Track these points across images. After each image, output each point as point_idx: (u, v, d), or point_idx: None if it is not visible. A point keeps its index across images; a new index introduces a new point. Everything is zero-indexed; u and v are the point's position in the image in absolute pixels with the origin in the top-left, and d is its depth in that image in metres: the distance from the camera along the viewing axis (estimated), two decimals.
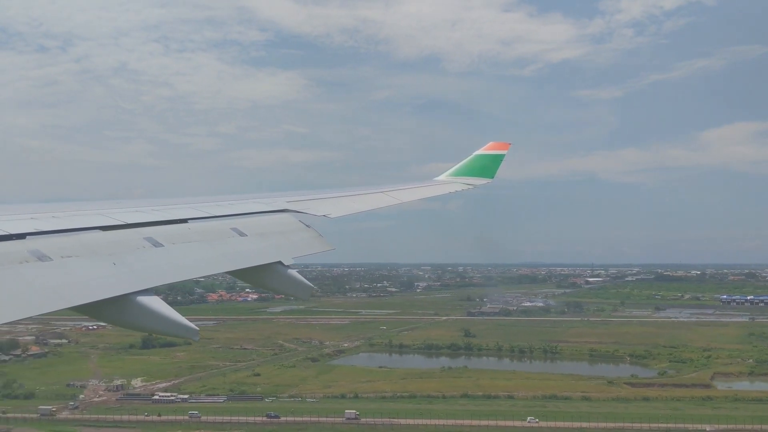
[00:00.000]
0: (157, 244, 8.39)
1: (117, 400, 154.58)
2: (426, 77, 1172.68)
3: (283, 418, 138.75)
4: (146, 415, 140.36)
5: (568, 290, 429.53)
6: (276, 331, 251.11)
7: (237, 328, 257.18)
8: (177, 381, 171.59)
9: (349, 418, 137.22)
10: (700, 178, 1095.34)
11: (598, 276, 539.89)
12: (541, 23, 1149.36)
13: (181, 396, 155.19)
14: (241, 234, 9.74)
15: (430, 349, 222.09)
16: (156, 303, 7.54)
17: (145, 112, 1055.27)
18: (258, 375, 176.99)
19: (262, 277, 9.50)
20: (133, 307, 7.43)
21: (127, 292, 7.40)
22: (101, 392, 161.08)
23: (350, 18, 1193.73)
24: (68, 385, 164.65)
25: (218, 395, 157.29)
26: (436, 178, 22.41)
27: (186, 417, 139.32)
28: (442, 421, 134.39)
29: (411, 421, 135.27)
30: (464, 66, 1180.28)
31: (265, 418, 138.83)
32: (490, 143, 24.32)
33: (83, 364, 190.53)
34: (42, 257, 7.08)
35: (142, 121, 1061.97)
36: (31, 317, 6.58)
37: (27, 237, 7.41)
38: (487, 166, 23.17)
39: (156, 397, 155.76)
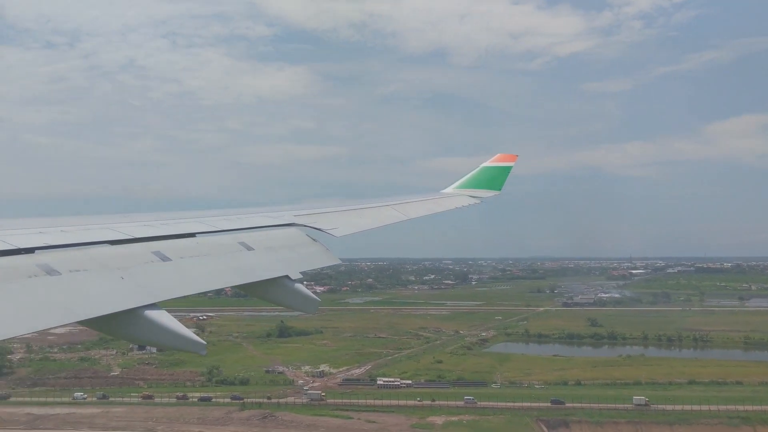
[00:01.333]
0: (164, 258, 8.00)
1: (339, 385, 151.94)
2: (433, 71, 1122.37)
3: (568, 405, 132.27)
4: (419, 400, 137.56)
5: (622, 282, 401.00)
6: (390, 321, 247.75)
7: (343, 318, 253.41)
8: (366, 367, 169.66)
9: (638, 404, 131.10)
10: (705, 171, 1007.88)
11: (636, 268, 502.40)
12: (549, 16, 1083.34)
13: (404, 382, 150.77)
14: (249, 248, 9.25)
15: (571, 339, 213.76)
16: (163, 317, 7.11)
17: (152, 108, 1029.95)
18: (440, 362, 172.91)
19: (268, 291, 8.97)
20: (141, 321, 7.02)
21: (134, 306, 7.05)
22: (305, 378, 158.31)
23: (358, 12, 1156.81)
24: (267, 371, 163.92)
25: (437, 381, 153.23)
26: (443, 191, 21.35)
27: (462, 402, 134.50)
28: (730, 407, 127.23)
29: (704, 408, 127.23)
30: (472, 60, 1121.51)
31: (549, 405, 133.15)
32: (498, 155, 23.16)
33: (243, 351, 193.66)
34: (50, 271, 6.82)
35: (150, 118, 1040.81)
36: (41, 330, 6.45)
37: (36, 251, 7.18)
38: (495, 178, 22.30)
39: (380, 382, 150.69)
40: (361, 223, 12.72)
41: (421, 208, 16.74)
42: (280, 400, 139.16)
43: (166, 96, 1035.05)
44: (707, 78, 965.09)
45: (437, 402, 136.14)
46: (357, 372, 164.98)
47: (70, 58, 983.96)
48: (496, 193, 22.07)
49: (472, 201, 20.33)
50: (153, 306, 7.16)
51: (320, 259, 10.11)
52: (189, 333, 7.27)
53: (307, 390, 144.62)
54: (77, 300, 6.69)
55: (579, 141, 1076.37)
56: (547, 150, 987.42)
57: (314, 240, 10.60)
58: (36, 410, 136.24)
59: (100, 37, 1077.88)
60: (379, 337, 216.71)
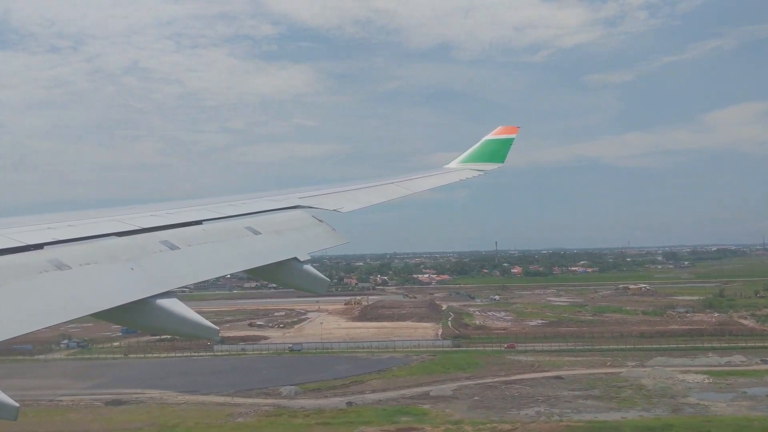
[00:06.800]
0: (173, 247, 7.76)
1: None
2: (436, 66, 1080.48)
3: None
4: None
5: None
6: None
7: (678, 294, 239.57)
8: None
9: None
10: (706, 160, 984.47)
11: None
12: (555, 8, 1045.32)
13: None
14: (256, 232, 8.99)
15: None
16: (175, 305, 6.90)
17: (155, 110, 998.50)
18: None
19: (278, 274, 8.73)
20: (153, 310, 6.80)
21: (146, 296, 6.82)
22: None
23: (363, 9, 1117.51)
24: None
25: None
26: (446, 166, 20.85)
27: None
28: None
29: None
30: (475, 54, 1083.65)
31: None
32: (499, 128, 22.48)
33: None
34: (61, 266, 6.60)
35: (153, 120, 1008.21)
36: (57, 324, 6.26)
37: (45, 247, 6.96)
38: (497, 151, 21.65)
39: None
40: (368, 199, 12.43)
41: (425, 182, 16.40)
42: None
43: (169, 97, 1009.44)
44: (709, 67, 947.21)
45: None
46: None
47: (73, 62, 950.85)
48: (500, 165, 21.58)
49: (475, 173, 19.90)
50: (165, 294, 6.95)
51: (327, 240, 9.82)
52: (202, 319, 7.06)
53: None
54: (89, 293, 6.49)
55: (580, 133, 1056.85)
56: (549, 142, 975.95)
57: (320, 221, 10.32)
58: None
59: (104, 39, 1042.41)
60: None
